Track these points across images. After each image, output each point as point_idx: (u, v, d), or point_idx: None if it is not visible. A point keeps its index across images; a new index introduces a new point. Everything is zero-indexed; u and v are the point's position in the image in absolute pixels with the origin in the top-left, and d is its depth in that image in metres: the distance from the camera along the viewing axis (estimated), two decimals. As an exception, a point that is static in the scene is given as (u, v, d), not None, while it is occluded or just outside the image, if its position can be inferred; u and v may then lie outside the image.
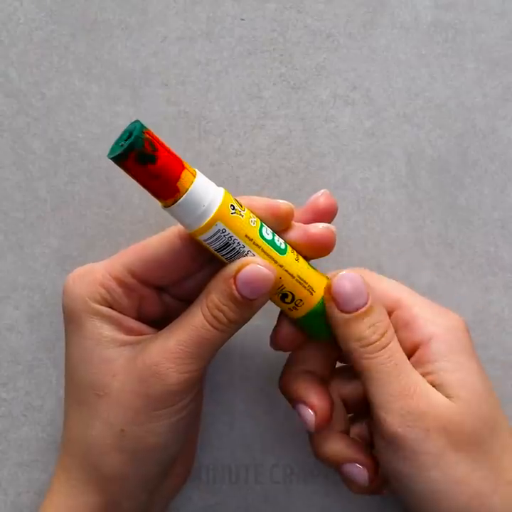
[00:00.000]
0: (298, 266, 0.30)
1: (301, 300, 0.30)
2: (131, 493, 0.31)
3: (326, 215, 0.32)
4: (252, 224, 0.29)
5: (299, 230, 0.30)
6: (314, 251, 0.31)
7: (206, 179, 0.28)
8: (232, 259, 0.29)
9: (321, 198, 0.32)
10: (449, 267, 0.37)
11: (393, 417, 0.28)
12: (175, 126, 0.37)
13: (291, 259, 0.30)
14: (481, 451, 0.29)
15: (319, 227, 0.31)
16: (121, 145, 0.26)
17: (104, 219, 0.37)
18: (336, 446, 0.32)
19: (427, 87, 0.38)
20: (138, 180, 0.27)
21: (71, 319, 0.31)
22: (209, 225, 0.28)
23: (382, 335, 0.29)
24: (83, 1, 0.37)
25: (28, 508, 0.36)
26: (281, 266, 0.29)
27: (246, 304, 0.29)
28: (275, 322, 0.32)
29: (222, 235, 0.28)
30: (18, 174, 0.37)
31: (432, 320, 0.31)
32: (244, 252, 0.29)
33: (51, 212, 0.37)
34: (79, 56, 0.37)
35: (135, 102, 0.37)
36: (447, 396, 0.29)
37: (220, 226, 0.28)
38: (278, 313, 0.32)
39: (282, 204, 0.30)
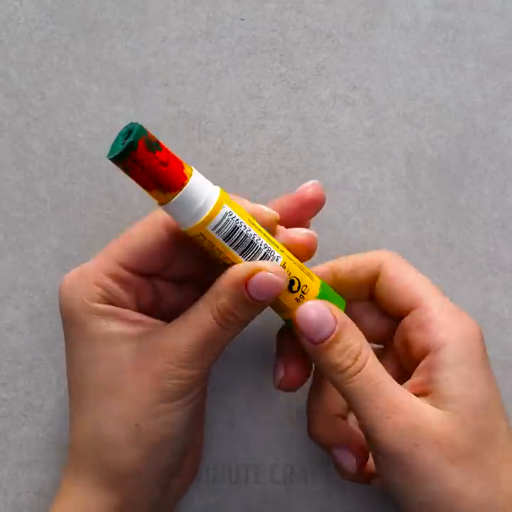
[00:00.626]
0: (292, 254, 0.30)
1: (306, 286, 0.30)
2: (146, 489, 0.31)
3: (313, 205, 0.32)
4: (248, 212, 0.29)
5: (280, 235, 0.31)
6: (295, 255, 0.31)
7: (201, 175, 0.29)
8: (240, 246, 0.29)
9: (309, 188, 0.32)
10: (449, 267, 0.37)
11: (383, 436, 0.28)
12: (175, 126, 0.37)
13: (285, 248, 0.30)
14: (476, 464, 0.29)
15: (302, 233, 0.31)
16: (123, 142, 0.26)
17: (104, 219, 0.37)
18: (329, 430, 0.32)
19: (427, 87, 0.38)
20: (147, 172, 0.27)
21: (73, 323, 0.31)
22: (217, 209, 0.28)
23: (356, 358, 0.29)
24: (83, 1, 0.37)
25: (28, 508, 0.36)
26: (282, 251, 0.29)
27: (257, 305, 0.29)
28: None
29: (230, 217, 0.28)
30: (18, 174, 0.37)
31: (448, 326, 0.30)
32: (251, 235, 0.29)
33: (51, 212, 0.37)
34: (79, 56, 0.37)
35: (135, 102, 0.37)
36: (444, 409, 0.29)
37: (227, 208, 0.28)
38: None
39: (266, 212, 0.30)
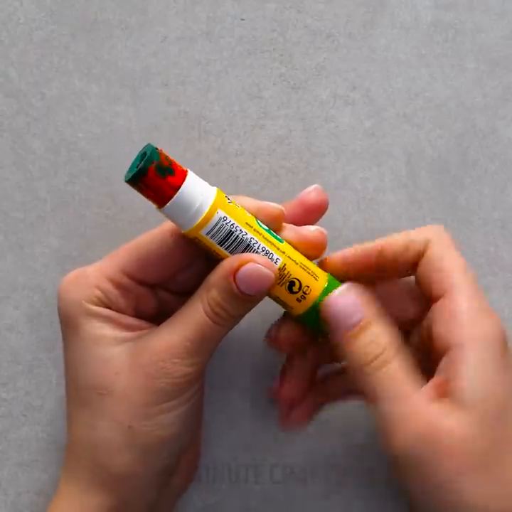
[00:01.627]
0: (298, 253, 0.30)
1: (308, 287, 0.30)
2: (141, 490, 0.31)
3: (316, 210, 0.32)
4: (248, 214, 0.29)
5: (290, 231, 0.31)
6: (305, 253, 0.31)
7: (196, 176, 0.29)
8: (236, 249, 0.29)
9: (312, 193, 0.32)
10: (449, 267, 0.37)
11: (400, 440, 0.27)
12: (175, 126, 0.37)
13: (290, 247, 0.30)
14: (495, 473, 0.27)
15: (311, 230, 0.31)
16: (137, 166, 0.27)
17: (104, 219, 0.37)
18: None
19: (427, 87, 0.38)
20: (158, 195, 0.28)
21: (68, 323, 0.31)
22: (210, 214, 0.28)
23: (381, 353, 0.28)
24: (83, 1, 0.37)
25: (28, 508, 0.36)
26: (283, 252, 0.29)
27: (246, 299, 0.29)
28: (275, 321, 0.32)
29: (224, 223, 0.28)
30: (18, 174, 0.37)
31: (474, 322, 0.29)
32: (247, 239, 0.29)
33: (51, 212, 0.37)
34: (79, 56, 0.37)
35: (135, 102, 0.37)
36: (463, 413, 0.27)
37: (221, 214, 0.28)
38: (278, 312, 0.32)
39: (272, 206, 0.30)
